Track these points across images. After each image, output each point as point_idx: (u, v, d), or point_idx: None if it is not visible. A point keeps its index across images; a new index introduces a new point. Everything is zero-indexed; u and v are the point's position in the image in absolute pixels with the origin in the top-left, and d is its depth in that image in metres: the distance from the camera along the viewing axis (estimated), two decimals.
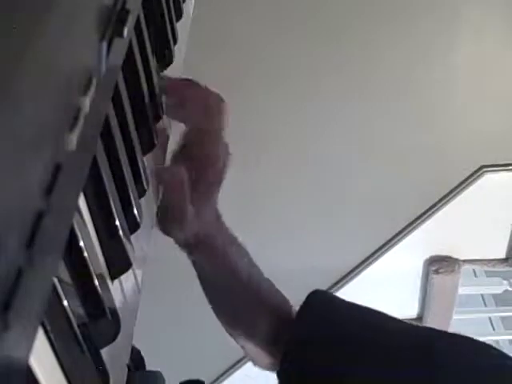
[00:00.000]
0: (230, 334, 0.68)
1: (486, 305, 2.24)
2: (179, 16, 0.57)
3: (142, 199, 0.44)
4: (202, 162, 0.58)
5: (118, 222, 0.37)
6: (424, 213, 1.90)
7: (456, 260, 2.00)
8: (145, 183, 0.44)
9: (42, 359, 0.26)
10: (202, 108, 0.57)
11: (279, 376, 0.62)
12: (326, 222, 1.91)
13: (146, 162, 0.46)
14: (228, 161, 0.60)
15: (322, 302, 0.64)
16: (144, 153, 0.45)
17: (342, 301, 0.64)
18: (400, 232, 1.93)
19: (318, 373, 0.59)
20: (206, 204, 0.60)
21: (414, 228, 1.92)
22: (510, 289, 2.08)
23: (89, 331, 0.33)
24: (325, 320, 0.62)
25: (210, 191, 0.60)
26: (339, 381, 0.56)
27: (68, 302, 0.30)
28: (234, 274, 0.64)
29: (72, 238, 0.30)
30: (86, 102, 0.28)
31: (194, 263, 0.65)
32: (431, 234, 1.95)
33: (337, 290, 1.97)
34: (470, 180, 1.86)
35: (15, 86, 0.22)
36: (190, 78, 0.57)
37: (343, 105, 1.77)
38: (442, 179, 1.87)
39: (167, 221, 0.56)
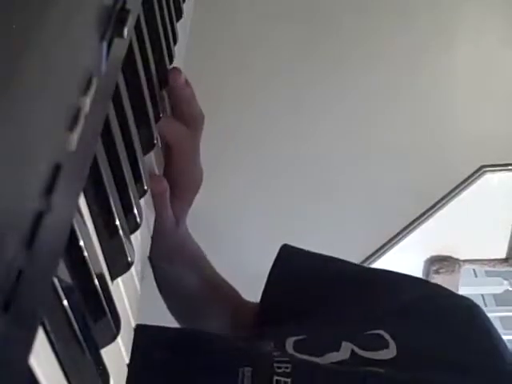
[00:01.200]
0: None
1: (486, 305, 2.23)
2: (179, 16, 0.57)
3: (142, 199, 0.44)
4: (179, 171, 0.57)
5: (118, 222, 0.37)
6: (424, 213, 1.90)
7: (456, 260, 2.00)
8: (145, 183, 0.44)
9: (42, 359, 0.26)
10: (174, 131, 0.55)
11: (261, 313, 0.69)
12: (326, 222, 1.91)
13: (146, 162, 0.46)
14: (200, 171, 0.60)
15: (290, 253, 0.72)
16: (144, 153, 0.45)
17: (308, 251, 0.73)
18: (400, 232, 1.93)
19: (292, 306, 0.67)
20: (183, 213, 0.61)
21: (414, 228, 1.92)
22: (510, 289, 2.08)
23: (89, 331, 0.33)
24: (295, 265, 0.71)
25: (188, 199, 0.61)
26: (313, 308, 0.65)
27: (68, 301, 0.30)
28: (199, 275, 0.69)
29: (72, 238, 0.30)
30: (86, 102, 0.28)
31: (157, 270, 0.67)
32: (431, 234, 1.95)
33: None
34: (470, 180, 1.86)
35: (15, 85, 0.22)
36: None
37: (343, 104, 1.76)
38: (442, 179, 1.87)
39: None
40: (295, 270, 0.71)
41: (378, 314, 0.62)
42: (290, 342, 0.57)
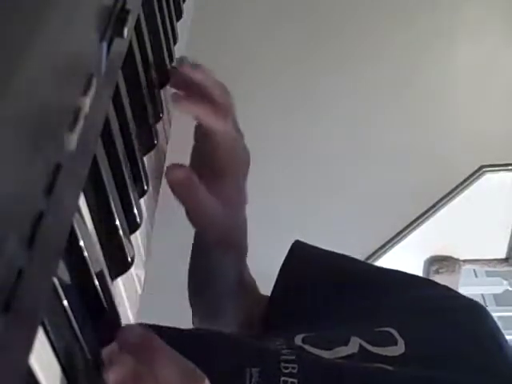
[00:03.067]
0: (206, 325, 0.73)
1: (486, 305, 2.24)
2: (179, 16, 0.57)
3: (142, 199, 0.44)
4: (214, 150, 0.58)
5: (118, 222, 0.37)
6: (424, 213, 1.90)
7: (456, 260, 2.00)
8: (145, 183, 0.44)
9: (42, 359, 0.26)
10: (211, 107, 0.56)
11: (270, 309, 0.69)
12: (325, 222, 1.91)
13: (146, 162, 0.46)
14: (242, 148, 0.61)
15: (303, 249, 0.72)
16: (144, 153, 0.45)
17: (320, 249, 0.73)
18: (400, 232, 1.93)
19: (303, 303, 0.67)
20: (231, 196, 0.61)
21: (414, 228, 1.92)
22: (510, 289, 2.08)
23: (89, 331, 0.33)
24: (306, 263, 0.71)
25: (229, 177, 0.61)
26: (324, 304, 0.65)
27: (68, 302, 0.30)
28: (239, 269, 0.68)
29: (72, 238, 0.30)
30: (86, 102, 0.28)
31: (199, 251, 0.66)
32: (431, 234, 1.95)
33: None
34: (470, 180, 1.86)
35: (15, 85, 0.22)
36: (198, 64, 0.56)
37: (343, 104, 1.77)
38: (442, 179, 1.87)
39: (192, 218, 0.57)
40: (306, 267, 0.71)
41: (386, 313, 0.62)
42: (299, 338, 0.57)
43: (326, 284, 0.68)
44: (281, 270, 0.70)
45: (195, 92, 0.54)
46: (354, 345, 0.55)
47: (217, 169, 0.58)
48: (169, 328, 0.60)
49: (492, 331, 0.60)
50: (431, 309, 0.62)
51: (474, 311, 0.62)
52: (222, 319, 0.72)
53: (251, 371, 0.52)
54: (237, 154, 0.61)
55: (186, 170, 0.53)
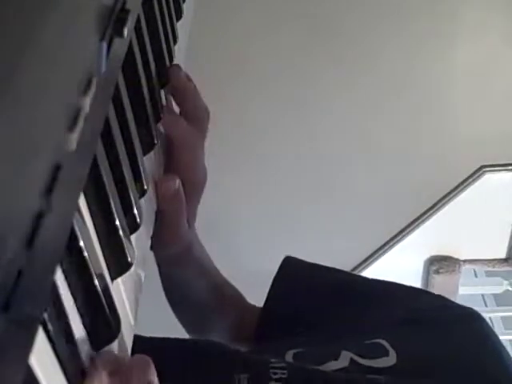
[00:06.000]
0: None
1: (486, 305, 2.24)
2: (179, 16, 0.57)
3: (142, 199, 0.44)
4: (181, 170, 0.54)
5: (117, 222, 0.37)
6: (424, 213, 1.90)
7: (456, 260, 2.00)
8: (145, 183, 0.44)
9: (42, 359, 0.26)
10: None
11: (261, 324, 0.69)
12: (326, 222, 1.91)
13: (146, 162, 0.46)
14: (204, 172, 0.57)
15: (293, 265, 0.72)
16: (144, 153, 0.45)
17: (310, 263, 0.73)
18: (400, 232, 1.93)
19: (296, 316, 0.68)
20: (193, 214, 0.59)
21: (414, 228, 1.92)
22: (510, 289, 2.08)
23: (89, 331, 0.33)
24: (299, 277, 0.72)
25: (193, 201, 0.57)
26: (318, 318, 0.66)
27: (68, 302, 0.30)
28: (207, 278, 0.68)
29: (72, 238, 0.30)
30: (86, 102, 0.28)
31: (165, 276, 0.66)
32: (431, 234, 1.95)
33: None
34: (470, 180, 1.86)
35: (15, 85, 0.22)
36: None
37: (343, 104, 1.77)
38: (442, 179, 1.87)
39: (160, 235, 0.52)
40: (296, 282, 0.71)
41: (377, 324, 0.62)
42: (289, 355, 0.57)
43: (316, 298, 0.68)
44: (272, 286, 0.71)
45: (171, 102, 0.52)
46: (344, 359, 0.55)
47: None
48: (157, 339, 0.60)
49: (488, 338, 0.60)
50: (423, 320, 0.62)
51: (468, 320, 0.61)
52: (208, 332, 0.72)
53: (240, 377, 0.51)
54: (204, 179, 0.56)
55: (178, 183, 0.50)
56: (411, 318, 0.62)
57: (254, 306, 0.73)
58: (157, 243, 0.52)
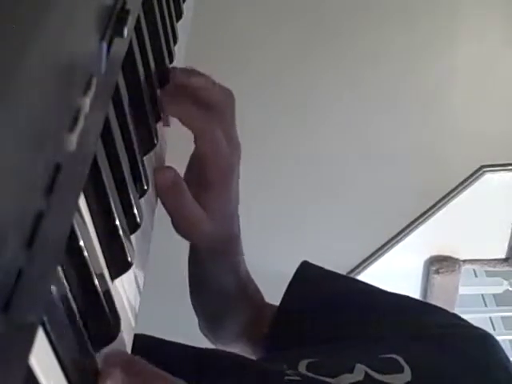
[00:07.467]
0: (210, 335, 0.73)
1: (486, 305, 2.23)
2: (179, 16, 0.57)
3: (142, 199, 0.44)
4: (201, 159, 0.54)
5: (117, 222, 0.37)
6: (424, 213, 1.90)
7: (456, 260, 2.00)
8: (145, 183, 0.44)
9: (42, 359, 0.26)
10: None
11: (272, 336, 0.68)
12: (325, 222, 1.91)
13: (146, 162, 0.46)
14: (235, 158, 0.57)
15: (309, 271, 0.71)
16: (144, 153, 0.45)
17: (326, 270, 0.72)
18: (400, 232, 1.93)
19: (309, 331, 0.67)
20: (217, 205, 0.56)
21: (414, 228, 1.92)
22: (510, 289, 2.08)
23: (89, 331, 0.33)
24: (314, 287, 0.70)
25: (217, 189, 0.55)
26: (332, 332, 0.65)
27: (68, 302, 0.30)
28: (236, 274, 0.66)
29: (72, 238, 0.30)
30: (86, 102, 0.28)
31: (196, 266, 0.65)
32: (431, 234, 1.95)
33: None
34: (470, 180, 1.86)
35: (15, 85, 0.22)
36: (190, 68, 0.54)
37: (343, 104, 1.77)
38: (442, 179, 1.87)
39: (176, 226, 0.52)
40: (312, 290, 0.70)
41: (390, 339, 0.62)
42: (303, 364, 0.56)
43: (332, 306, 0.68)
44: (286, 291, 0.70)
45: (183, 94, 0.51)
46: (359, 372, 0.55)
47: (203, 179, 0.54)
48: (172, 344, 0.59)
49: (502, 361, 0.59)
50: (439, 336, 0.61)
51: (482, 340, 0.61)
52: (224, 323, 0.72)
53: None
54: (225, 165, 0.55)
55: (175, 173, 0.50)
56: (425, 334, 0.61)
57: (272, 305, 0.72)
58: (188, 235, 0.54)
